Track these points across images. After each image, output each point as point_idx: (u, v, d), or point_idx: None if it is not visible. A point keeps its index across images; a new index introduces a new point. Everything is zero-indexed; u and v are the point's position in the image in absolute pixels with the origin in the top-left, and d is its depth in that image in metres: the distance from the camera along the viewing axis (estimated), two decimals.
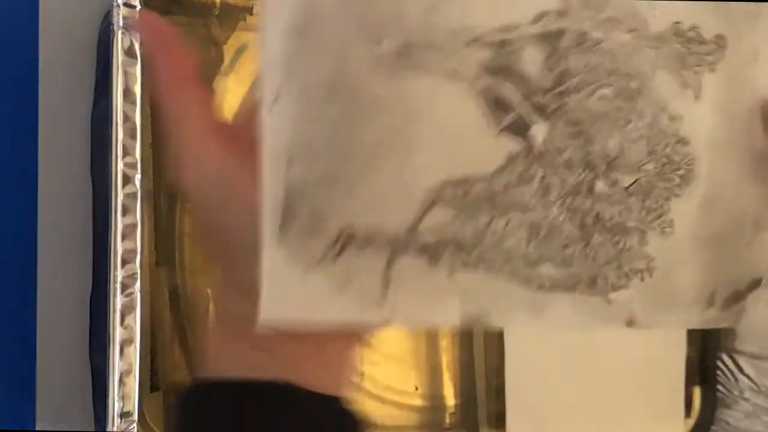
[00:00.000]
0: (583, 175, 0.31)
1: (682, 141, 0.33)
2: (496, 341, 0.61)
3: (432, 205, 0.30)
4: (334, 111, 0.29)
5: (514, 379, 0.59)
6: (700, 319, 0.34)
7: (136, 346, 0.50)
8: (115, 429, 0.48)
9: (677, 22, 0.33)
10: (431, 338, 0.61)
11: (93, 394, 0.54)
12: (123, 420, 0.49)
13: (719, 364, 0.63)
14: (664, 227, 0.33)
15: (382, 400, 0.59)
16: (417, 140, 0.29)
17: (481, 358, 0.61)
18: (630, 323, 0.32)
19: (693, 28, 0.33)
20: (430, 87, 0.29)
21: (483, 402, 0.61)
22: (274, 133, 0.28)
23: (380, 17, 0.29)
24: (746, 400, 0.63)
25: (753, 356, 0.62)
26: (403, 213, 0.29)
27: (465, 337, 0.62)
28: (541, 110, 0.31)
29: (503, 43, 0.30)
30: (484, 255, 0.30)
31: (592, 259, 0.32)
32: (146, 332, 0.52)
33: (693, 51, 0.33)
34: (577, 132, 0.31)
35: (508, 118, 0.30)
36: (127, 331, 0.50)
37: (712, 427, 0.63)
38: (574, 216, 0.31)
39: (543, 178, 0.31)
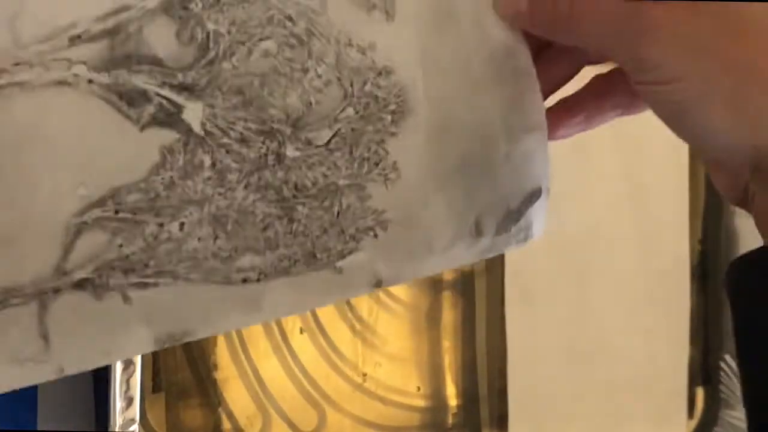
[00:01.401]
0: (265, 146, 0.27)
1: (384, 72, 0.28)
2: (498, 342, 0.61)
3: (77, 235, 0.26)
4: None
5: (517, 380, 0.59)
6: (473, 252, 0.30)
7: None
8: (117, 430, 0.48)
9: None
10: (433, 339, 0.61)
11: (95, 395, 0.54)
12: (125, 421, 0.49)
13: (722, 364, 0.63)
14: (387, 173, 0.28)
15: (383, 401, 0.59)
16: (38, 168, 0.25)
17: (484, 359, 0.61)
18: (377, 284, 0.29)
19: None
20: (36, 106, 0.25)
21: (485, 402, 0.61)
22: None
23: None
24: None
25: None
26: (41, 254, 0.26)
27: (467, 338, 0.62)
28: (189, 90, 0.26)
29: (114, 30, 0.26)
30: (162, 267, 0.27)
31: (302, 233, 0.28)
32: None
33: None
34: (244, 101, 0.27)
35: (148, 111, 0.26)
36: None
37: (715, 428, 0.63)
38: (266, 193, 0.27)
39: (214, 163, 0.27)
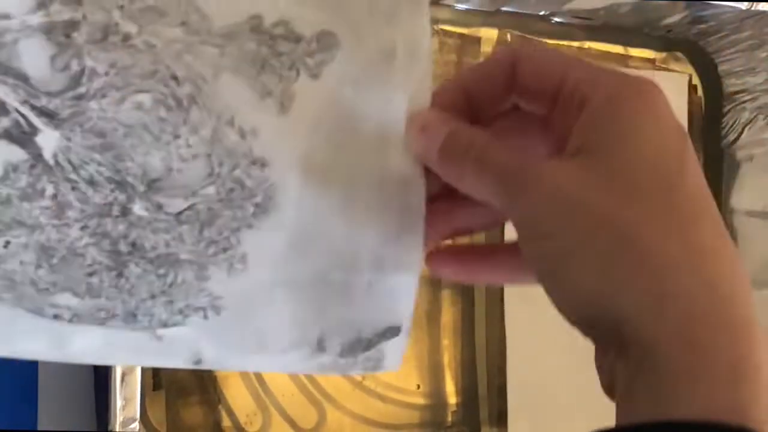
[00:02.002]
0: (113, 196, 0.26)
1: (259, 162, 0.26)
2: (498, 340, 0.61)
3: None
4: None
5: (516, 378, 0.59)
6: (310, 365, 0.28)
7: None
8: (117, 428, 0.48)
9: (255, 16, 0.26)
10: (433, 337, 0.61)
11: (95, 393, 0.54)
12: (125, 419, 0.49)
13: None
14: (233, 262, 0.27)
15: (383, 399, 0.59)
16: None
17: (483, 357, 0.61)
18: (197, 362, 0.27)
19: (281, 23, 0.26)
20: None
21: (485, 400, 0.61)
22: None
23: None
24: None
25: None
26: None
27: (467, 336, 0.61)
28: (49, 116, 0.25)
29: None
30: None
31: (128, 291, 0.27)
32: None
33: (280, 51, 0.26)
34: (103, 145, 0.26)
35: (2, 124, 0.25)
36: None
37: None
38: (101, 241, 0.26)
39: (56, 195, 0.26)
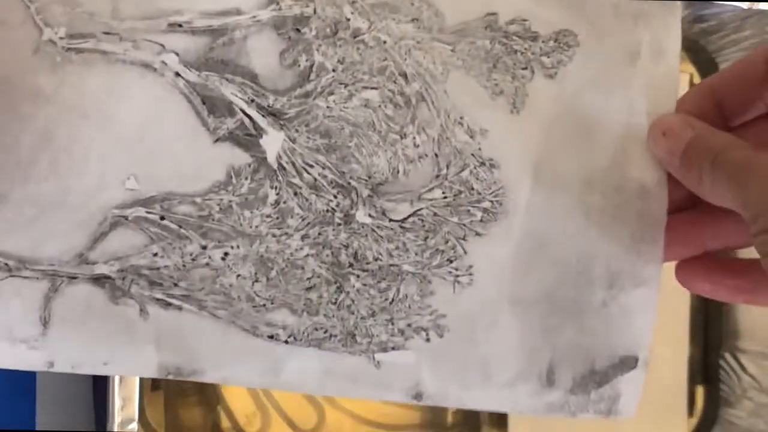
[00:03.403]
0: (336, 201, 0.25)
1: (488, 163, 0.25)
2: None
3: (113, 226, 0.24)
4: None
5: None
6: (538, 404, 0.26)
7: None
8: (116, 428, 0.48)
9: (492, 13, 0.25)
10: None
11: (94, 394, 0.54)
12: (124, 419, 0.49)
13: (722, 362, 0.63)
14: (459, 276, 0.25)
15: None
16: (94, 144, 0.24)
17: None
18: (417, 396, 0.25)
19: (517, 21, 0.25)
20: (112, 80, 0.24)
21: None
22: None
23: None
24: (749, 399, 0.62)
25: (756, 355, 0.62)
26: (68, 234, 0.24)
27: None
28: (275, 116, 0.25)
29: (219, 31, 0.24)
30: (191, 292, 0.24)
31: (347, 308, 0.25)
32: None
33: (515, 49, 0.25)
34: (328, 146, 0.25)
35: (227, 125, 0.25)
36: None
37: (715, 426, 0.63)
38: (322, 252, 0.25)
39: (278, 201, 0.25)
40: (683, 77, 0.65)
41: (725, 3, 0.58)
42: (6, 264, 0.24)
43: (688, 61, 0.67)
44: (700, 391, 0.63)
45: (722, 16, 0.61)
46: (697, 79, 0.67)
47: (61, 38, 0.24)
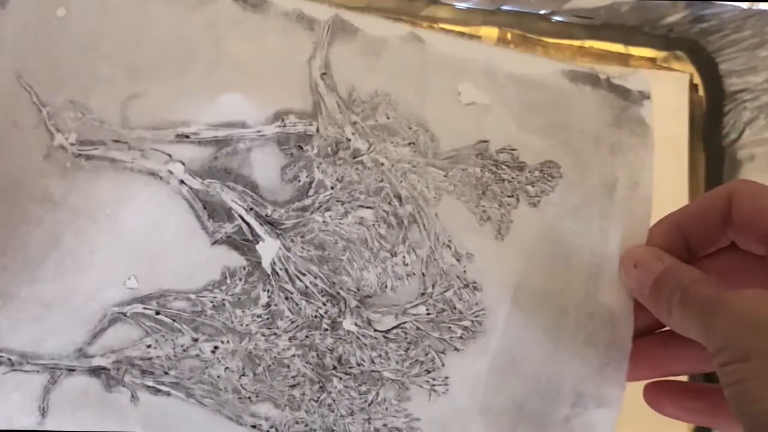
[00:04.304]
0: (324, 309, 0.26)
1: (472, 286, 0.26)
2: None
3: (112, 322, 0.26)
4: None
5: None
6: None
7: None
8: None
9: (483, 141, 0.26)
10: None
11: None
12: None
13: None
14: (435, 385, 0.26)
15: None
16: (99, 247, 0.25)
17: None
18: None
19: (506, 150, 0.26)
20: (120, 188, 0.25)
21: None
22: None
23: (59, 104, 0.25)
24: None
25: None
26: (69, 331, 0.26)
27: None
28: (273, 226, 0.26)
29: (224, 142, 0.26)
30: (181, 381, 0.26)
31: (328, 406, 0.26)
32: None
33: (503, 178, 0.26)
34: (321, 257, 0.26)
35: (225, 229, 0.26)
36: None
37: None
38: (308, 354, 0.26)
39: (269, 303, 0.26)
40: (683, 78, 0.65)
41: (725, 3, 0.58)
42: (9, 359, 0.25)
43: (688, 62, 0.67)
44: None
45: (722, 16, 0.61)
46: (697, 80, 0.67)
47: (71, 144, 0.25)
